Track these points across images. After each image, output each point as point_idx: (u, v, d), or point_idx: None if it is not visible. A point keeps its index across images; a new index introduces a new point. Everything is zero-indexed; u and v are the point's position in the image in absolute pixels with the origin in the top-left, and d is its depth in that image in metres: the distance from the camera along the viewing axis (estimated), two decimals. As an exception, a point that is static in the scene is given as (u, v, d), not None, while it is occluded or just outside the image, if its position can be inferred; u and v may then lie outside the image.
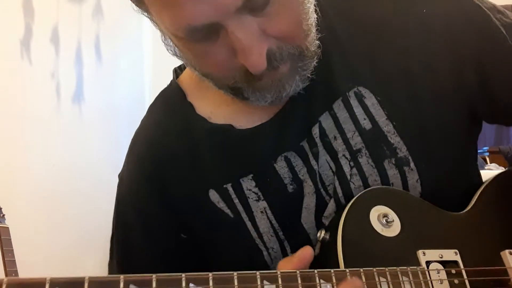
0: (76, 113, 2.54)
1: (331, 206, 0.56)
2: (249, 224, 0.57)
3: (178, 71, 0.66)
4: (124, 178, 0.65)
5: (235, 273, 0.42)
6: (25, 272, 1.76)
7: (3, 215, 1.73)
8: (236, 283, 0.41)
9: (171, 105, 0.63)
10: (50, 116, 2.28)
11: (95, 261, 2.77)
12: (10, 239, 1.71)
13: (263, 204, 0.56)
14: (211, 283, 0.41)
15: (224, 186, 0.57)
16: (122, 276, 0.39)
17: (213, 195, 0.57)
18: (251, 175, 0.57)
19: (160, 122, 0.63)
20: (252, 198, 0.57)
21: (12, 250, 1.71)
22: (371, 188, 0.55)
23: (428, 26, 0.58)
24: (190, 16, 0.44)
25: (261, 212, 0.56)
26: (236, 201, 0.57)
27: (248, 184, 0.57)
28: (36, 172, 2.11)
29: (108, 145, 2.97)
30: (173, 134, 0.61)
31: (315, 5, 0.53)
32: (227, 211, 0.57)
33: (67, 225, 2.26)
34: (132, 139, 0.66)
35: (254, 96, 0.53)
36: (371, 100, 0.57)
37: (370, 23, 0.59)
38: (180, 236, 0.60)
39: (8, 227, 1.70)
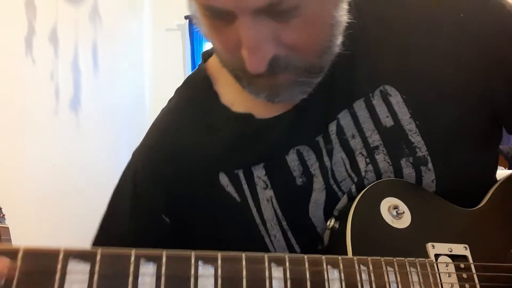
0: (76, 114, 2.59)
1: (344, 200, 0.58)
2: (254, 210, 0.60)
3: (206, 56, 0.69)
4: (138, 148, 0.69)
5: (243, 254, 0.44)
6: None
7: (3, 215, 1.76)
8: (244, 263, 0.44)
9: (196, 93, 0.67)
10: (50, 116, 2.33)
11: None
12: (10, 239, 1.74)
13: (270, 193, 0.60)
14: (219, 262, 0.43)
15: (236, 171, 0.61)
16: (133, 250, 0.42)
17: (223, 179, 0.61)
18: (263, 163, 0.60)
19: (184, 106, 0.67)
20: (260, 186, 0.60)
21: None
22: (383, 179, 0.57)
23: (462, 32, 0.60)
24: None
25: (267, 200, 0.60)
26: (245, 186, 0.60)
27: (258, 172, 0.60)
28: (36, 172, 2.15)
29: (108, 146, 3.02)
30: (194, 118, 0.65)
31: (350, 5, 0.55)
32: (235, 195, 0.61)
33: (67, 225, 2.30)
34: (157, 116, 0.70)
35: (249, 88, 0.56)
36: (396, 98, 0.59)
37: (404, 24, 0.61)
38: (162, 217, 0.63)
39: (8, 227, 1.73)
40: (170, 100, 0.71)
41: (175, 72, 3.93)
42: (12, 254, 0.39)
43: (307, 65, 0.53)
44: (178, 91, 0.70)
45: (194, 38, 3.86)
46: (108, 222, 0.68)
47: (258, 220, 0.60)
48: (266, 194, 0.60)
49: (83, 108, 2.64)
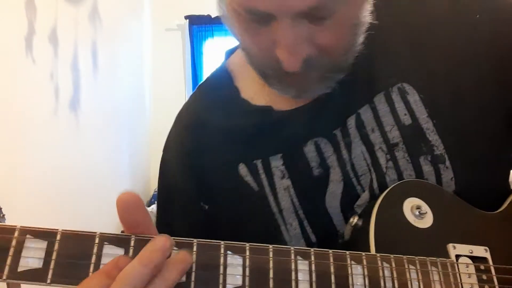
0: (76, 113, 2.59)
1: (365, 196, 0.60)
2: (271, 199, 0.62)
3: (228, 53, 0.73)
4: (167, 142, 0.73)
5: (270, 246, 0.46)
6: (24, 272, 1.79)
7: (3, 215, 1.76)
8: (271, 255, 0.46)
9: (218, 87, 0.70)
10: (50, 116, 2.33)
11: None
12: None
13: (287, 182, 0.62)
14: (247, 252, 0.45)
15: (254, 161, 0.63)
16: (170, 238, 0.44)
17: (242, 169, 0.64)
18: (281, 154, 0.63)
19: (206, 99, 0.71)
20: (277, 175, 0.62)
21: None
22: (406, 180, 0.59)
23: (478, 32, 0.62)
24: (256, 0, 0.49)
25: (284, 189, 0.62)
26: (262, 176, 0.63)
27: (276, 162, 0.63)
28: (36, 172, 2.15)
29: (107, 145, 3.02)
30: (216, 111, 0.68)
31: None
32: (253, 184, 0.63)
33: (67, 225, 2.29)
34: (180, 111, 0.73)
35: (277, 85, 0.59)
36: (413, 97, 0.61)
37: (423, 24, 0.63)
38: (201, 205, 0.66)
39: (7, 227, 1.73)
40: (191, 95, 0.74)
41: (175, 72, 3.94)
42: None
43: (334, 63, 0.57)
44: (200, 86, 0.73)
45: (194, 38, 3.87)
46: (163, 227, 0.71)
47: (275, 209, 0.62)
48: (283, 184, 0.62)
49: (83, 108, 2.64)
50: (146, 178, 3.89)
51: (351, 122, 0.61)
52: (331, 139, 0.62)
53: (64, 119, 2.46)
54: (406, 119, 0.61)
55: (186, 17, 3.88)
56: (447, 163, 0.59)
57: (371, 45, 0.59)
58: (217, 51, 3.86)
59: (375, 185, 0.60)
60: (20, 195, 1.99)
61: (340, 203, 0.61)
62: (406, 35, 0.63)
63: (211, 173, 0.66)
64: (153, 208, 3.21)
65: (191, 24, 3.88)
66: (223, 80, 0.70)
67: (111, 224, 3.21)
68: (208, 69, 3.85)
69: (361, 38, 0.58)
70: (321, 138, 0.62)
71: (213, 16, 3.85)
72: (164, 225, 0.71)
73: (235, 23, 0.56)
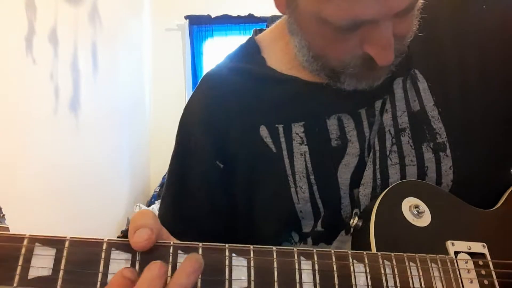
0: (76, 114, 2.60)
1: (368, 174, 0.63)
2: (286, 161, 0.65)
3: (257, 32, 0.75)
4: (191, 98, 0.74)
5: (274, 248, 0.48)
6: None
7: (3, 215, 1.76)
8: (275, 256, 0.47)
9: (246, 54, 0.73)
10: (49, 116, 2.33)
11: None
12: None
13: (305, 148, 0.65)
14: (252, 254, 0.47)
15: (276, 125, 0.66)
16: (172, 242, 0.46)
17: (263, 131, 0.66)
18: (303, 122, 0.65)
19: (233, 64, 0.73)
20: (296, 141, 0.65)
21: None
22: (403, 181, 0.61)
23: (486, 22, 0.65)
24: (359, 11, 0.51)
25: (301, 154, 0.65)
26: (282, 140, 0.66)
27: (297, 129, 0.65)
28: (36, 172, 2.16)
29: (107, 145, 3.03)
30: (243, 72, 0.70)
31: None
32: (272, 146, 0.66)
33: (67, 225, 2.31)
34: (206, 73, 0.76)
35: (349, 81, 0.61)
36: (423, 85, 0.64)
37: (432, 14, 0.65)
38: (217, 164, 0.68)
39: (8, 227, 1.73)
40: (218, 63, 0.76)
41: (175, 72, 3.95)
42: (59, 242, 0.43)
43: (403, 47, 0.60)
44: (228, 55, 0.75)
45: (194, 38, 3.89)
46: (174, 181, 0.73)
47: (288, 171, 0.65)
48: (300, 149, 0.65)
49: (83, 108, 2.66)
50: (146, 178, 3.90)
51: (378, 105, 0.64)
52: (355, 117, 0.65)
53: (64, 119, 2.46)
54: (415, 106, 0.64)
55: (186, 17, 3.90)
56: (448, 151, 0.62)
57: None
58: (217, 51, 3.87)
59: (377, 165, 0.63)
60: (20, 195, 2.00)
61: (350, 176, 0.63)
62: (420, 25, 0.65)
63: (232, 131, 0.68)
64: (153, 208, 3.22)
65: (191, 24, 3.89)
66: (250, 49, 0.73)
67: (111, 224, 3.23)
68: (208, 69, 3.81)
69: None
70: (345, 114, 0.65)
71: (213, 16, 3.86)
72: (178, 175, 0.72)
73: (317, 36, 0.58)
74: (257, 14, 3.77)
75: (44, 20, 2.27)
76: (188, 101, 0.75)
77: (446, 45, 0.65)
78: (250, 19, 3.80)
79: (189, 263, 0.43)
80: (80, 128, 2.63)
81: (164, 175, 3.71)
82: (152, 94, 3.97)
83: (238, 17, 3.83)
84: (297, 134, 0.65)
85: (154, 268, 0.42)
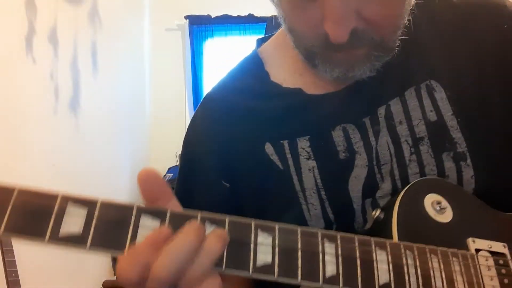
0: (75, 113, 2.59)
1: (387, 186, 0.62)
2: (295, 178, 0.64)
3: (259, 42, 0.75)
4: (193, 118, 0.74)
5: (299, 228, 0.48)
6: (25, 272, 1.80)
7: (3, 214, 1.76)
8: (299, 235, 0.47)
9: (248, 69, 0.72)
10: (49, 116, 2.33)
11: (95, 261, 2.80)
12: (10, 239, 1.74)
13: (313, 163, 0.64)
14: (277, 232, 0.47)
15: (281, 141, 0.65)
16: (199, 213, 0.46)
17: (268, 148, 0.65)
18: (308, 136, 0.64)
19: (236, 80, 0.72)
20: (303, 156, 0.64)
21: (12, 250, 1.75)
22: (427, 177, 0.61)
23: (506, 39, 0.65)
24: None
25: (309, 170, 0.64)
26: (288, 156, 0.64)
27: (303, 143, 0.64)
28: (36, 172, 2.16)
29: (107, 145, 3.03)
30: (245, 90, 0.70)
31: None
32: (278, 163, 0.65)
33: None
34: (209, 91, 0.75)
35: (323, 66, 0.60)
36: (440, 94, 0.63)
37: (453, 25, 0.66)
38: (222, 184, 0.68)
39: (8, 227, 1.73)
40: (221, 80, 0.75)
41: (174, 72, 3.95)
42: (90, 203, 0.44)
43: (382, 39, 0.58)
44: (230, 71, 0.75)
45: (194, 38, 3.88)
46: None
47: (298, 188, 0.64)
48: (308, 164, 0.64)
49: (83, 108, 2.65)
50: (146, 178, 3.89)
51: (382, 111, 0.64)
52: (360, 126, 0.63)
53: (64, 119, 2.46)
54: (432, 116, 0.63)
55: (186, 17, 3.90)
56: (468, 161, 0.61)
57: (406, 39, 0.61)
58: (217, 51, 3.87)
59: (397, 176, 0.62)
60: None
61: (362, 188, 0.62)
62: (438, 34, 0.65)
63: (236, 151, 0.67)
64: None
65: (191, 24, 3.89)
66: (253, 64, 0.72)
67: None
68: (208, 69, 3.86)
69: (405, 20, 0.59)
70: (350, 124, 0.64)
71: (213, 16, 3.86)
72: (184, 195, 0.71)
73: (286, 5, 0.58)
74: (257, 14, 3.77)
75: (44, 20, 2.27)
76: (191, 120, 0.74)
77: (465, 57, 0.65)
78: (250, 19, 3.80)
79: (216, 234, 0.44)
80: (80, 128, 2.63)
81: (164, 175, 3.71)
82: (152, 94, 3.96)
83: (238, 17, 3.83)
84: (303, 149, 0.64)
85: (194, 224, 0.43)
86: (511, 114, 0.63)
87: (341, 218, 0.63)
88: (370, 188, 0.62)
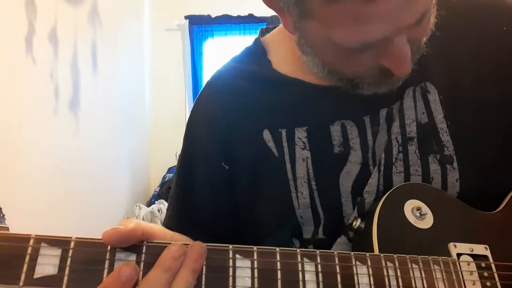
0: (75, 113, 2.60)
1: (373, 181, 0.62)
2: (288, 166, 0.65)
3: (264, 32, 0.75)
4: (196, 102, 0.75)
5: (277, 249, 0.48)
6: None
7: (3, 215, 1.76)
8: (278, 257, 0.48)
9: (252, 56, 0.73)
10: (49, 115, 2.34)
11: None
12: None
13: (307, 153, 0.65)
14: (255, 255, 0.47)
15: (279, 130, 0.66)
16: (171, 242, 0.46)
17: (266, 135, 0.67)
18: (306, 127, 0.65)
19: (239, 66, 0.73)
20: (299, 146, 0.65)
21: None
22: (406, 183, 0.61)
23: (505, 43, 0.65)
24: (368, 33, 0.50)
25: (303, 159, 0.65)
26: (284, 144, 0.66)
27: (300, 133, 0.65)
28: (36, 172, 2.16)
29: (107, 145, 3.03)
30: (248, 77, 0.71)
31: None
32: (274, 150, 0.66)
33: (67, 225, 2.31)
34: (211, 77, 0.76)
35: (369, 87, 0.60)
36: (434, 96, 0.64)
37: (451, 29, 0.66)
38: (222, 166, 0.69)
39: (8, 227, 1.73)
40: (224, 65, 0.76)
41: (174, 72, 3.95)
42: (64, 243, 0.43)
43: (419, 46, 0.58)
44: (234, 57, 0.76)
45: (194, 38, 3.89)
46: (182, 182, 0.74)
47: (290, 175, 0.65)
48: (303, 154, 0.65)
49: (83, 108, 2.66)
50: (146, 178, 3.90)
51: (384, 113, 0.64)
52: (359, 124, 0.64)
53: (64, 119, 2.47)
54: (423, 118, 0.64)
55: (186, 17, 3.90)
56: (455, 164, 0.62)
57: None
58: (217, 51, 3.86)
59: (381, 171, 0.62)
60: (20, 195, 2.00)
61: (352, 184, 0.63)
62: (436, 38, 0.64)
63: (236, 135, 0.68)
64: (153, 208, 3.22)
65: (191, 24, 3.89)
66: (256, 52, 0.73)
67: (111, 224, 3.21)
68: (208, 69, 3.86)
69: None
70: (349, 121, 0.65)
71: (213, 16, 3.86)
72: (185, 176, 0.73)
73: (331, 54, 0.57)
74: (257, 14, 3.77)
75: (44, 20, 2.27)
76: (194, 103, 0.75)
77: (463, 61, 0.65)
78: (250, 19, 3.80)
79: (195, 249, 0.46)
80: (80, 128, 2.63)
81: (164, 175, 3.72)
82: (152, 94, 3.97)
83: (238, 17, 3.83)
84: (299, 139, 0.65)
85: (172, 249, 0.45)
86: (507, 119, 0.64)
87: (329, 211, 0.64)
88: (361, 185, 0.63)
